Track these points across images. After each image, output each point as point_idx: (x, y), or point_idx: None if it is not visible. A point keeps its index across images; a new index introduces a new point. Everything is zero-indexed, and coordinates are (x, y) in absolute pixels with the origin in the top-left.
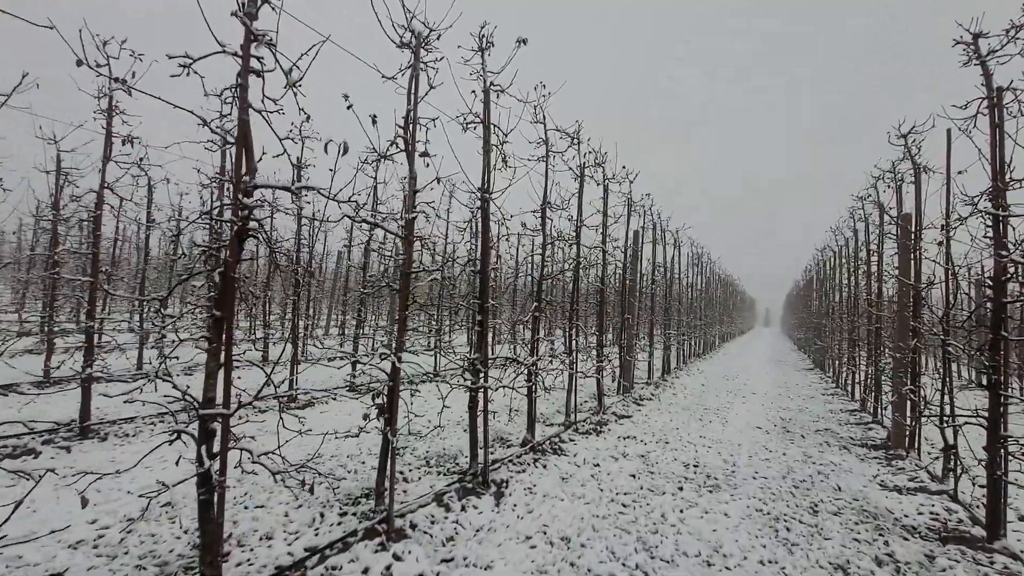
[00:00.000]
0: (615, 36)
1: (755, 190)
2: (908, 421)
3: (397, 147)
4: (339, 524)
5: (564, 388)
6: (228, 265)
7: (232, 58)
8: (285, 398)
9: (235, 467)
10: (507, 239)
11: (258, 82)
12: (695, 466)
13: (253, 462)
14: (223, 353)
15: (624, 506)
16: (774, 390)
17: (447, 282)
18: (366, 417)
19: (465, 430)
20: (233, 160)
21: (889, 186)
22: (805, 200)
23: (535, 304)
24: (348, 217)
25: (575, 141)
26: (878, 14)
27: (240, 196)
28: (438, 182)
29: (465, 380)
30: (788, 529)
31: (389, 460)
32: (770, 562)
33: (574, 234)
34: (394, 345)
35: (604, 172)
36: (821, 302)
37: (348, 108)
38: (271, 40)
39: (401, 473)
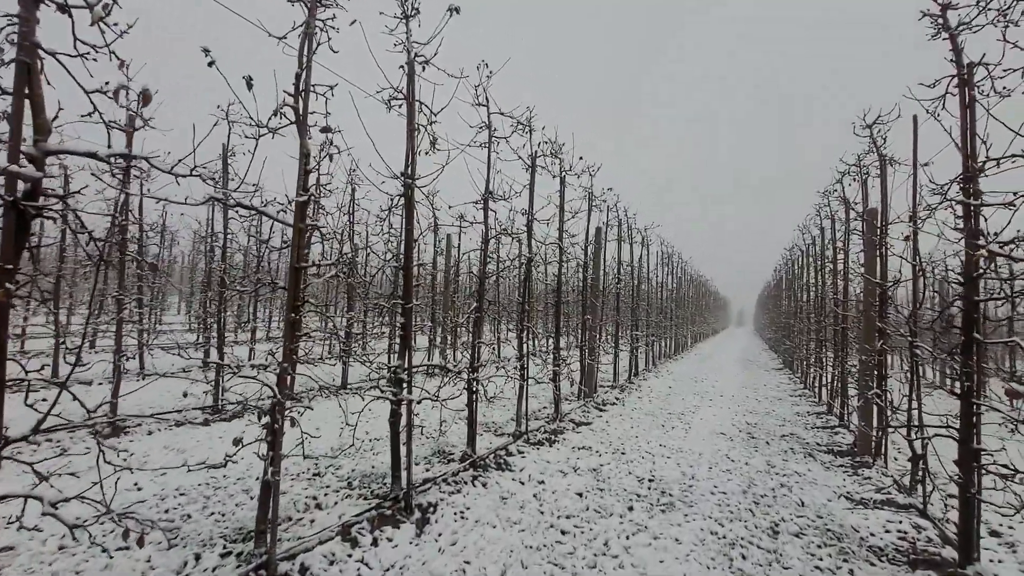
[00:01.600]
0: (608, 32)
1: (746, 187)
2: (874, 428)
3: (285, 118)
4: (215, 570)
5: (516, 395)
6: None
7: None
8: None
9: (11, 522)
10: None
11: (60, 21)
12: (650, 480)
13: (44, 514)
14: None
15: (564, 533)
16: (742, 392)
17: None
18: (237, 442)
19: (403, 444)
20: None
21: (855, 180)
22: (796, 198)
23: (475, 304)
24: (216, 200)
25: (524, 128)
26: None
27: (14, 164)
28: (330, 159)
29: (384, 392)
30: (744, 556)
31: (272, 493)
32: None
33: (524, 228)
34: (282, 353)
35: (561, 164)
36: (790, 302)
37: (209, 65)
38: None
39: (314, 498)
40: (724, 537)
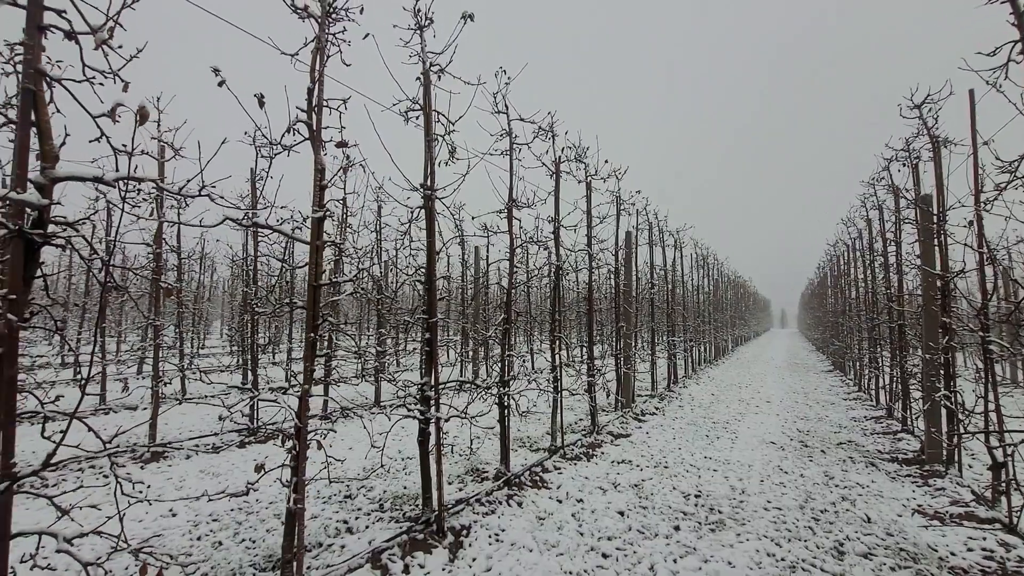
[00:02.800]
0: (600, 32)
1: (791, 186)
2: (944, 432)
3: (299, 135)
4: None
5: (550, 408)
6: (9, 282)
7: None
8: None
9: (23, 561)
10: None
11: (67, 47)
12: (697, 496)
13: (58, 551)
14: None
15: (605, 556)
16: (790, 397)
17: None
18: (259, 469)
19: (434, 463)
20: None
21: (904, 165)
22: (840, 194)
23: (503, 316)
24: (232, 220)
25: (547, 134)
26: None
27: (16, 190)
28: (344, 172)
29: (411, 411)
30: None
31: (297, 521)
32: None
33: (551, 236)
34: (302, 375)
35: (586, 168)
36: (837, 300)
37: (220, 85)
38: None
39: (345, 522)
40: (783, 560)
